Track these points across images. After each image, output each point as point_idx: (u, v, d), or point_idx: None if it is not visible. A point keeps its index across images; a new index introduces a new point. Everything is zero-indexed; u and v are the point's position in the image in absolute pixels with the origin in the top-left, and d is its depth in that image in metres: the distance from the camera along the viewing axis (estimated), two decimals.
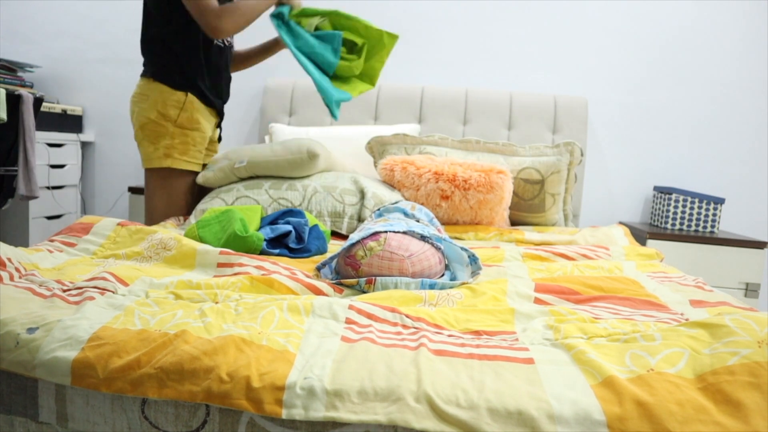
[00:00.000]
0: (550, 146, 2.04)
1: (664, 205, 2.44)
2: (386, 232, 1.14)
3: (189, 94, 1.77)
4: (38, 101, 2.31)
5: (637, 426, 0.62)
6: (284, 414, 0.67)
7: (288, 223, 1.44)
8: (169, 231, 1.28)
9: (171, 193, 1.80)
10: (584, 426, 0.63)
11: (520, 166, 2.01)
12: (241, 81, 2.79)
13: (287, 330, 0.82)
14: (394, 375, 0.70)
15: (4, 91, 2.12)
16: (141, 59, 2.84)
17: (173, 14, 1.71)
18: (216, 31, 1.62)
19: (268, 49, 2.03)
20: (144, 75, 1.78)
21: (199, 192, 1.98)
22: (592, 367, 0.72)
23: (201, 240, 1.36)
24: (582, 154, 1.98)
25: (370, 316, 0.89)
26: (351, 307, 0.90)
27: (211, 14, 1.61)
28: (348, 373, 0.70)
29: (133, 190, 2.57)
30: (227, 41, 1.89)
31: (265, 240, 1.35)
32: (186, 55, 1.75)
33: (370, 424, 0.66)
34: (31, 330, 0.78)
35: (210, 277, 1.13)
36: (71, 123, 2.79)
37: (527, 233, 1.80)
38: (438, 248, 1.20)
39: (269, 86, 2.65)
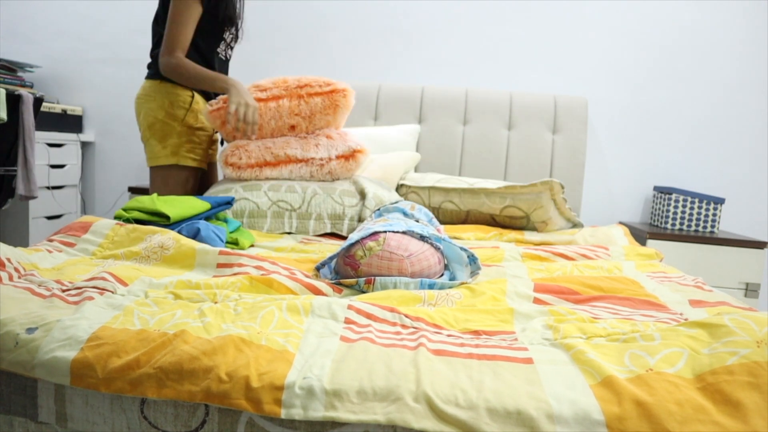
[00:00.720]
0: (526, 185, 1.83)
1: (664, 205, 2.44)
2: (385, 232, 1.14)
3: (195, 94, 1.83)
4: (38, 101, 2.31)
5: (636, 426, 0.62)
6: (283, 414, 0.67)
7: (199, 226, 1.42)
8: (167, 231, 1.28)
9: (174, 189, 1.85)
10: (583, 426, 0.63)
11: (501, 205, 1.89)
12: (241, 80, 2.79)
13: (286, 330, 0.82)
14: (393, 375, 0.70)
15: (4, 91, 2.12)
16: (141, 59, 2.84)
17: None
18: (161, 65, 1.73)
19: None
20: (150, 77, 1.81)
21: (200, 189, 2.00)
22: (591, 367, 0.72)
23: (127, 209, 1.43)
24: (562, 187, 1.82)
25: (369, 316, 0.89)
26: (350, 307, 0.90)
27: (168, 50, 1.71)
28: (347, 373, 0.70)
29: (133, 190, 2.57)
30: (227, 55, 1.94)
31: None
32: (194, 59, 1.80)
33: (369, 423, 0.66)
34: (30, 330, 0.78)
35: (209, 277, 1.13)
36: (71, 123, 2.79)
37: (527, 233, 1.80)
38: (437, 248, 1.20)
39: None
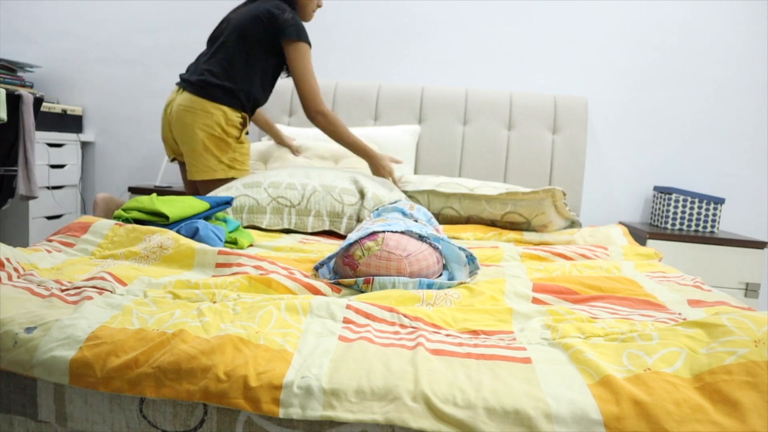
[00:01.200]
0: (527, 192, 1.81)
1: (664, 205, 2.44)
2: (384, 231, 1.14)
3: (244, 115, 1.97)
4: (38, 101, 2.31)
5: (634, 425, 0.62)
6: (281, 413, 0.67)
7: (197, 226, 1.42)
8: (166, 231, 1.28)
9: None
10: (581, 425, 0.63)
11: (502, 211, 1.88)
12: None
13: (285, 329, 0.82)
14: (392, 374, 0.70)
15: (4, 91, 2.13)
16: (141, 59, 2.84)
17: (274, 53, 1.93)
18: (319, 119, 1.88)
19: (274, 137, 2.31)
20: (206, 96, 1.89)
21: None
22: (589, 367, 0.71)
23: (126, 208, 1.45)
24: (564, 194, 1.80)
25: (367, 316, 0.89)
26: (349, 307, 0.90)
27: (319, 103, 1.88)
28: (345, 372, 0.70)
29: (133, 190, 2.57)
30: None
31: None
32: (260, 88, 1.97)
33: (367, 423, 0.66)
34: (29, 329, 0.77)
35: (208, 277, 1.13)
36: (71, 123, 2.79)
37: (526, 234, 1.80)
38: (436, 248, 1.20)
39: None
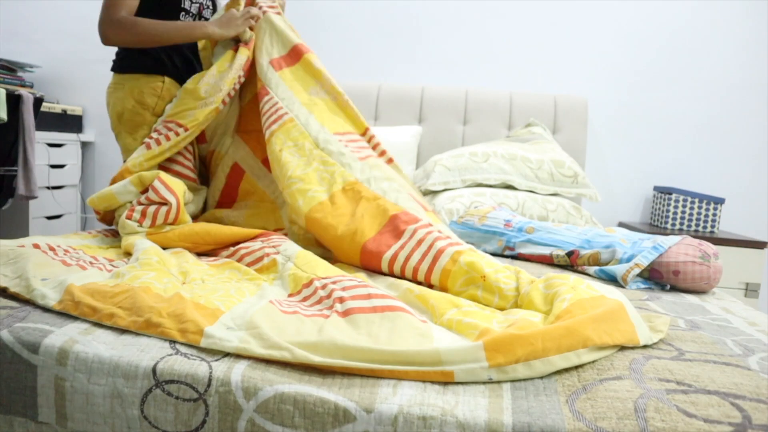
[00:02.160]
0: None
1: (664, 205, 2.44)
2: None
3: (165, 79, 1.67)
4: (38, 101, 2.31)
5: (502, 339, 0.76)
6: (202, 342, 0.79)
7: None
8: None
9: None
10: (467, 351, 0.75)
11: None
12: None
13: (227, 299, 0.97)
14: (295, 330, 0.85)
15: (4, 91, 2.13)
16: None
17: None
18: (107, 33, 1.54)
19: None
20: (116, 70, 1.68)
21: None
22: (468, 327, 0.86)
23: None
24: None
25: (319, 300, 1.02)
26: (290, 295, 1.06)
27: (113, 11, 1.52)
28: (259, 319, 0.85)
29: None
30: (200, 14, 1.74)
31: None
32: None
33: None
34: (44, 279, 1.00)
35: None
36: (71, 123, 2.79)
37: None
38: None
39: None
